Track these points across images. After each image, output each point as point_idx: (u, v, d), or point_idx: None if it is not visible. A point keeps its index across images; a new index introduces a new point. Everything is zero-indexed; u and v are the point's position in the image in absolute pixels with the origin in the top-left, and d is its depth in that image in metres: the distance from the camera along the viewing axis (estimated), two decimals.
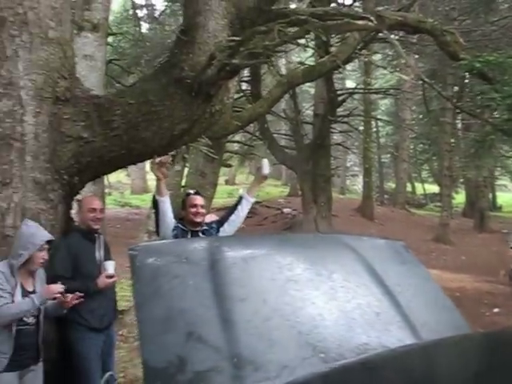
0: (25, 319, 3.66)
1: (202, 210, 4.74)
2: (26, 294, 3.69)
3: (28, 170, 4.05)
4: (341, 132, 20.38)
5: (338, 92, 17.04)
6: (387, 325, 2.57)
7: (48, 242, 3.78)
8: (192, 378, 2.19)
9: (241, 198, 4.89)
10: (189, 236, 4.49)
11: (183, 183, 9.03)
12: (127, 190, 27.27)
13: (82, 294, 3.86)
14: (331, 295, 2.62)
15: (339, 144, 21.67)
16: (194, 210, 4.71)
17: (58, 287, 3.70)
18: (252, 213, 18.55)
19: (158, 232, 4.61)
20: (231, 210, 4.88)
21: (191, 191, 4.97)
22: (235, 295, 2.54)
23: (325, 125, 16.85)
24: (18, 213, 4.00)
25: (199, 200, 4.79)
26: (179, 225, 4.56)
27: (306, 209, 17.34)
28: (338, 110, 17.48)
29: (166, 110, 4.24)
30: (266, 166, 4.78)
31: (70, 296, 3.76)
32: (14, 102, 4.07)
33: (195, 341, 2.29)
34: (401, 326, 2.57)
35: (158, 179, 4.42)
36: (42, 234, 3.76)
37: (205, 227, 4.69)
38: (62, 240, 4.09)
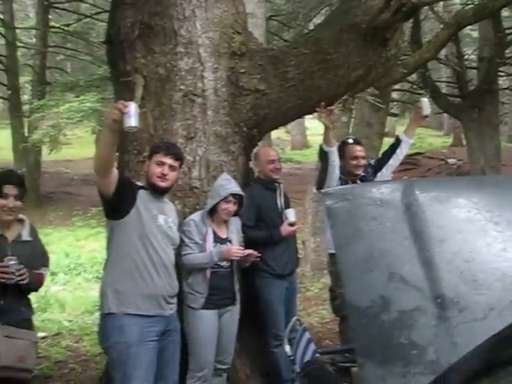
0: (219, 263, 3.89)
1: (364, 162, 4.67)
2: (218, 240, 3.92)
3: (210, 124, 4.24)
4: (509, 75, 18.98)
5: (507, 31, 15.80)
6: None
7: (237, 196, 3.95)
8: (397, 318, 2.19)
9: (398, 139, 4.73)
10: None
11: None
12: (287, 147, 27.60)
13: (259, 255, 3.97)
14: None
15: (507, 88, 20.21)
16: (354, 162, 4.64)
17: (239, 252, 3.85)
18: (414, 164, 18.02)
19: (319, 185, 4.58)
20: (389, 153, 4.74)
21: (350, 139, 4.87)
22: (434, 236, 2.47)
23: (491, 68, 15.74)
24: (202, 165, 4.21)
25: (360, 151, 4.70)
26: (341, 175, 4.54)
27: (473, 158, 16.47)
28: (507, 51, 16.24)
29: (340, 57, 4.20)
30: (427, 106, 4.57)
31: (249, 252, 3.90)
32: (193, 59, 4.25)
33: (398, 281, 2.27)
34: None
35: (326, 128, 4.37)
36: (229, 187, 3.93)
37: (362, 174, 4.63)
38: (246, 191, 4.25)
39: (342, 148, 4.70)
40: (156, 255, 3.47)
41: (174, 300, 3.65)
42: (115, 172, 3.34)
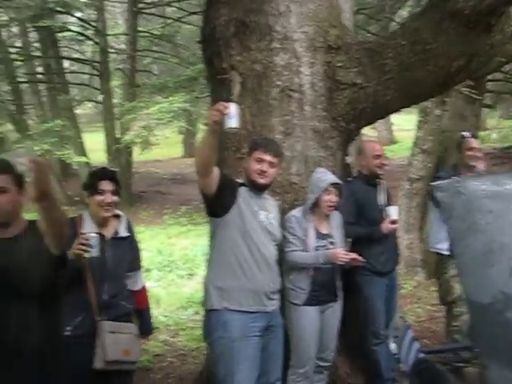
0: None
1: (480, 154, 4.57)
2: (320, 236, 3.89)
3: (307, 119, 4.21)
4: None
5: None
6: None
7: (336, 186, 3.90)
8: None
9: None
10: None
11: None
12: None
13: (363, 260, 3.90)
14: None
15: None
16: (470, 153, 4.56)
17: (345, 257, 3.79)
18: (508, 158, 17.26)
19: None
20: None
21: (467, 133, 4.76)
22: None
23: None
24: (301, 161, 4.18)
25: (475, 143, 4.60)
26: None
27: None
28: None
29: (440, 46, 4.05)
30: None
31: (354, 257, 3.83)
32: (289, 55, 4.23)
33: None
34: None
35: None
36: (327, 178, 3.90)
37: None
38: (346, 187, 4.19)
39: (461, 141, 4.69)
40: (258, 251, 3.48)
41: (277, 296, 3.65)
42: (216, 171, 3.36)
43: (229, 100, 4.19)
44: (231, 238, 3.48)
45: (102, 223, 3.53)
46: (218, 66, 4.33)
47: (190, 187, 16.82)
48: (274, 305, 3.61)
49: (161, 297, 7.83)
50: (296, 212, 3.92)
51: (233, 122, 3.07)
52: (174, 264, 9.58)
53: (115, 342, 3.40)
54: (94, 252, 3.30)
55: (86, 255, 3.27)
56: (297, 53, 4.23)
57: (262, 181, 3.55)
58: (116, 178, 3.58)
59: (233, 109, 3.08)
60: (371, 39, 4.62)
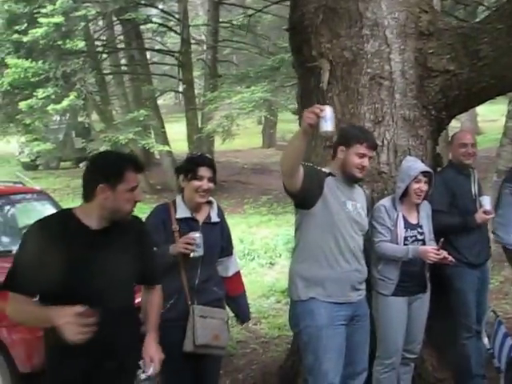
0: None
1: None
2: (409, 226, 3.82)
3: (397, 107, 4.13)
4: None
5: None
6: None
7: (426, 175, 3.82)
8: None
9: None
10: None
11: None
12: None
13: (453, 260, 3.78)
14: None
15: None
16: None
17: (435, 256, 3.67)
18: None
19: None
20: None
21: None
22: None
23: None
24: (390, 149, 4.11)
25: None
26: None
27: None
28: None
29: None
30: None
31: (445, 256, 3.71)
32: (379, 41, 4.16)
33: None
34: None
35: None
36: (417, 166, 3.82)
37: None
38: (438, 176, 4.08)
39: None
40: (344, 242, 3.44)
41: (363, 286, 3.61)
42: (301, 169, 3.28)
43: (320, 93, 4.18)
44: (317, 229, 3.45)
45: (195, 208, 3.56)
46: (306, 54, 4.30)
47: (270, 177, 16.91)
48: (360, 295, 3.58)
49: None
50: (385, 201, 3.86)
51: (328, 125, 2.99)
52: (255, 253, 9.66)
53: (205, 326, 3.45)
54: (200, 251, 3.37)
55: (192, 255, 3.35)
56: (387, 39, 4.15)
57: (359, 175, 3.51)
58: (214, 165, 3.59)
59: (328, 112, 3.00)
60: (464, 24, 4.45)
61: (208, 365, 3.62)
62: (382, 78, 4.12)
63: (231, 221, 3.95)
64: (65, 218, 2.60)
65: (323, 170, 3.56)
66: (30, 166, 21.12)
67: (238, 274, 3.87)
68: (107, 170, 2.58)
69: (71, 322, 2.25)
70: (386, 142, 4.10)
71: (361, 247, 3.56)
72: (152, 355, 2.78)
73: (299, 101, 4.66)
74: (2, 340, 4.74)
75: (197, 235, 3.35)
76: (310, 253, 3.48)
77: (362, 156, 3.47)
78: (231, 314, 3.91)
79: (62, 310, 2.30)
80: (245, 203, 14.43)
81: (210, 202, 3.66)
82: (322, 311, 3.41)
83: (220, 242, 3.67)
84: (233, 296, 3.80)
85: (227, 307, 3.80)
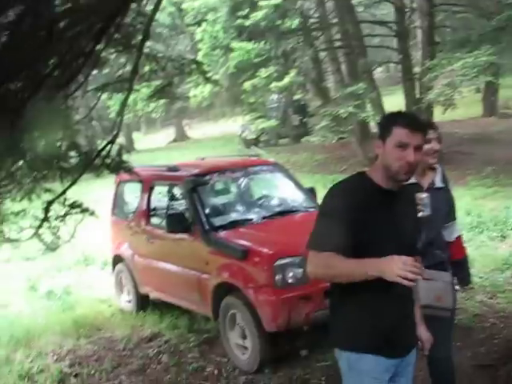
0: None
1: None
2: None
3: None
4: None
5: None
6: None
7: None
8: None
9: None
10: None
11: None
12: None
13: None
14: None
15: None
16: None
17: None
18: None
19: None
20: None
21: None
22: None
23: None
24: None
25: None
26: None
27: None
28: None
29: None
30: None
31: None
32: None
33: None
34: None
35: None
36: None
37: None
38: None
39: None
40: None
41: None
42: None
43: None
44: None
45: (420, 173, 3.55)
46: None
47: (494, 147, 15.92)
48: None
49: (473, 257, 7.62)
50: None
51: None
52: (484, 225, 9.21)
53: (428, 288, 3.42)
54: (427, 211, 3.35)
55: (420, 214, 3.34)
56: None
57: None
58: (436, 126, 3.63)
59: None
60: None
61: (434, 326, 3.58)
62: None
63: (454, 193, 3.85)
64: (361, 178, 2.70)
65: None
66: (251, 144, 22.35)
67: (459, 238, 3.87)
68: (380, 125, 2.69)
69: (403, 266, 2.30)
70: None
71: None
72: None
73: None
74: (250, 300, 5.14)
75: (424, 195, 3.33)
76: None
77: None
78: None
79: (392, 257, 2.35)
80: (467, 174, 13.74)
81: (433, 168, 3.66)
82: None
83: (445, 207, 3.65)
84: (455, 260, 3.79)
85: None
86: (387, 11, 22.47)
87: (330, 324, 2.82)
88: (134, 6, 4.30)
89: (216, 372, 5.46)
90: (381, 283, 2.37)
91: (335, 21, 18.91)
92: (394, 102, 17.92)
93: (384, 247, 2.50)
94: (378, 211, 2.60)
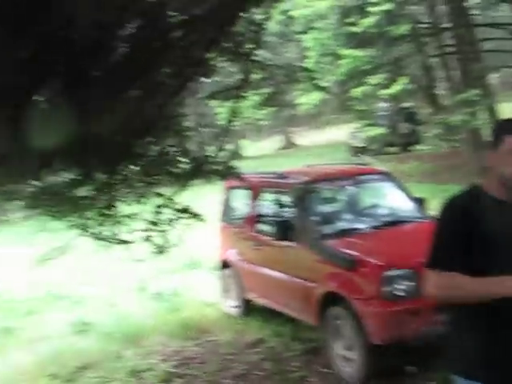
0: None
1: None
2: None
3: None
4: None
5: None
6: None
7: None
8: None
9: None
10: None
11: None
12: None
13: None
14: None
15: None
16: None
17: None
18: None
19: None
20: None
21: None
22: None
23: None
24: None
25: None
26: None
27: None
28: None
29: None
30: None
31: None
32: None
33: None
34: None
35: None
36: None
37: None
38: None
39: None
40: None
41: None
42: None
43: None
44: None
45: None
46: None
47: None
48: None
49: None
50: None
51: None
52: None
53: None
54: None
55: None
56: None
57: None
58: None
59: None
60: None
61: None
62: None
63: None
64: (474, 190, 2.57)
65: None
66: (358, 152, 22.03)
67: None
68: (492, 133, 2.52)
69: None
70: None
71: None
72: None
73: None
74: (356, 311, 5.03)
75: None
76: None
77: None
78: None
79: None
80: None
81: None
82: None
83: None
84: None
85: None
86: (505, 13, 21.35)
87: (445, 343, 2.67)
88: (245, 15, 4.33)
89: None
90: (502, 304, 2.24)
91: (447, 25, 18.28)
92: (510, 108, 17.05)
93: (504, 263, 2.36)
94: (496, 224, 2.44)
